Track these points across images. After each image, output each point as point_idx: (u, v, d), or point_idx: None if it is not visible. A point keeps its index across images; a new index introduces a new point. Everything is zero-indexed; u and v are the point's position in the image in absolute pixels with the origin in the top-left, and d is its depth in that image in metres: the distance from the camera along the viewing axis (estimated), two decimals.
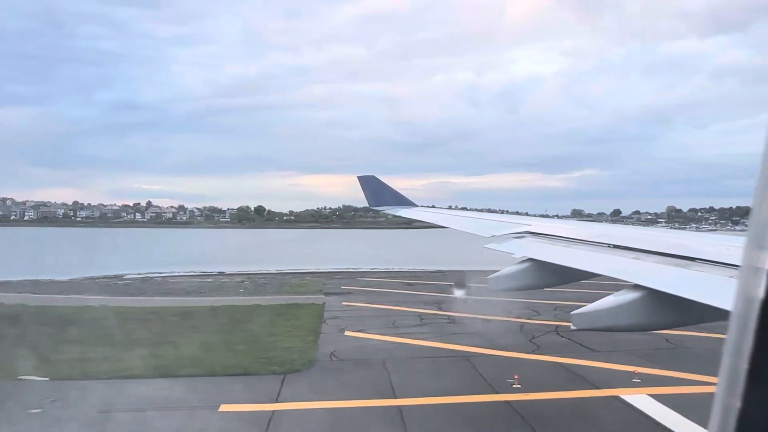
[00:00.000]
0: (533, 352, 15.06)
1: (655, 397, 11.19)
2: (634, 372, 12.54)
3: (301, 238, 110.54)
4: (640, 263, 6.22)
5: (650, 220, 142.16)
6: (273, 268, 44.46)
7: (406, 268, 44.02)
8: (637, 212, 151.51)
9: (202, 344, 15.68)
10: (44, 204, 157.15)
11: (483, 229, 11.20)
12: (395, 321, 19.56)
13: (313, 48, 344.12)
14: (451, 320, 19.97)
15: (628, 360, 13.89)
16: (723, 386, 1.17)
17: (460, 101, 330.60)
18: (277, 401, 11.20)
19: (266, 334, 17.13)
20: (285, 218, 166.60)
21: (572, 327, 6.08)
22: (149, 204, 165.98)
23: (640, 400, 11.08)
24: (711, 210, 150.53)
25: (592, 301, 6.01)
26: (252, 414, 10.52)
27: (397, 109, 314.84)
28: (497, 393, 11.58)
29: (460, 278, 31.61)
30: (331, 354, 14.93)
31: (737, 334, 1.15)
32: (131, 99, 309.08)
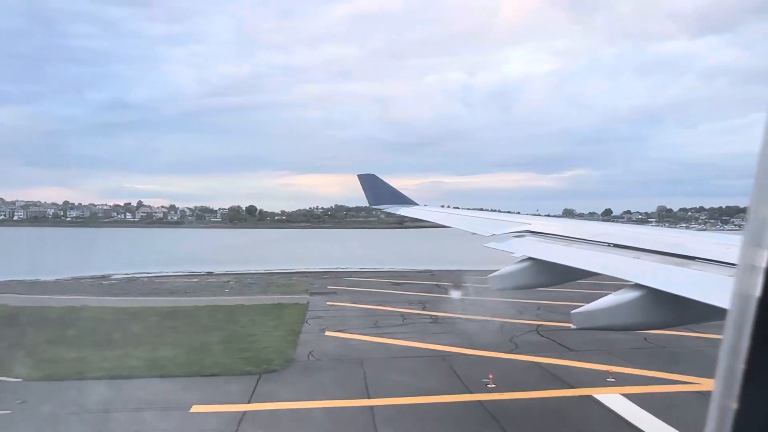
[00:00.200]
0: (511, 352, 15.08)
1: (628, 396, 11.21)
2: (608, 371, 12.56)
3: (292, 237, 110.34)
4: (640, 262, 6.21)
5: (641, 219, 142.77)
6: (261, 268, 44.34)
7: (396, 267, 43.98)
8: (628, 212, 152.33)
9: (179, 345, 15.60)
10: (34, 204, 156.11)
11: (483, 228, 11.14)
12: (377, 321, 19.54)
13: (305, 47, 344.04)
14: (434, 320, 19.96)
15: (604, 359, 13.93)
16: (720, 386, 1.16)
17: (453, 101, 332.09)
18: (249, 402, 11.16)
19: (246, 334, 17.07)
20: (277, 218, 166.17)
21: (572, 326, 6.08)
22: (140, 204, 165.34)
23: (613, 399, 11.10)
24: (701, 209, 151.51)
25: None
26: (223, 415, 10.47)
27: (390, 108, 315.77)
28: (471, 393, 11.58)
29: (452, 278, 31.68)
30: (309, 354, 14.90)
31: (734, 332, 1.13)
32: (122, 98, 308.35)
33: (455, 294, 26.23)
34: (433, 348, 15.55)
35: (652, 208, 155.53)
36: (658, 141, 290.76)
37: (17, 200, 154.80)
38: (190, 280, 35.46)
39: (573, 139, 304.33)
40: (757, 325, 1.09)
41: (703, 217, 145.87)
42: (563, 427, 10.20)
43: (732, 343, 1.13)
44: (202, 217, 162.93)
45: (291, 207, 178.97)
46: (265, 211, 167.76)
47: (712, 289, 4.57)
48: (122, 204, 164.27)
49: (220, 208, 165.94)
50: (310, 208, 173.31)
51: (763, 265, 1.09)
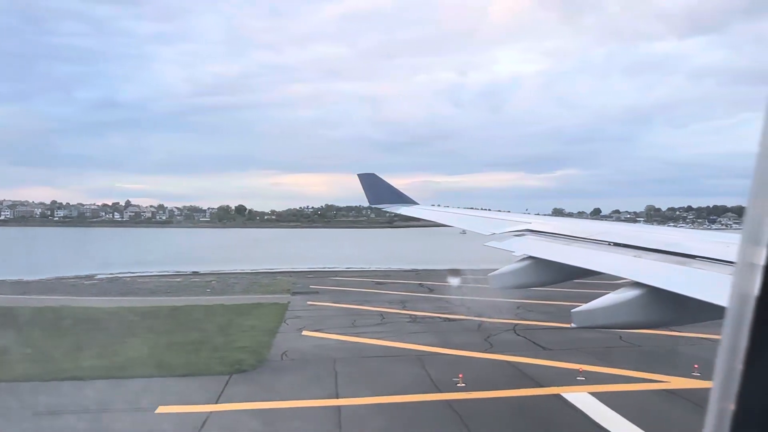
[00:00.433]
0: (486, 351, 15.09)
1: (596, 395, 11.25)
2: (579, 370, 12.60)
3: (282, 237, 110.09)
4: (641, 261, 6.21)
5: (629, 219, 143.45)
6: (247, 268, 44.28)
7: (382, 267, 43.96)
8: (617, 211, 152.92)
9: (153, 345, 15.50)
10: (21, 203, 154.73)
11: (483, 227, 11.13)
12: (356, 320, 19.51)
13: (295, 47, 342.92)
14: (413, 319, 19.96)
15: (577, 358, 13.95)
16: (718, 386, 1.14)
17: (443, 101, 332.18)
18: (217, 402, 11.10)
19: (222, 334, 16.98)
20: (266, 218, 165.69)
21: (572, 325, 6.08)
22: (128, 203, 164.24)
23: (581, 398, 11.13)
24: (689, 209, 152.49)
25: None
26: (188, 415, 10.40)
27: (380, 108, 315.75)
28: (440, 392, 11.57)
29: (436, 277, 31.68)
30: (282, 354, 14.84)
31: (732, 331, 1.12)
32: (111, 97, 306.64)
33: (437, 293, 26.28)
34: (408, 347, 15.53)
35: (640, 208, 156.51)
36: (647, 141, 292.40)
37: (4, 200, 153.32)
38: (173, 280, 35.30)
39: (562, 138, 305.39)
40: (755, 324, 1.07)
41: (691, 217, 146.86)
42: (528, 425, 10.23)
43: (730, 343, 1.12)
44: (190, 216, 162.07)
45: (281, 206, 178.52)
46: (255, 211, 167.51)
47: (713, 287, 4.57)
48: (110, 204, 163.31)
49: (209, 208, 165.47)
50: (300, 207, 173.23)
51: (762, 263, 1.08)
